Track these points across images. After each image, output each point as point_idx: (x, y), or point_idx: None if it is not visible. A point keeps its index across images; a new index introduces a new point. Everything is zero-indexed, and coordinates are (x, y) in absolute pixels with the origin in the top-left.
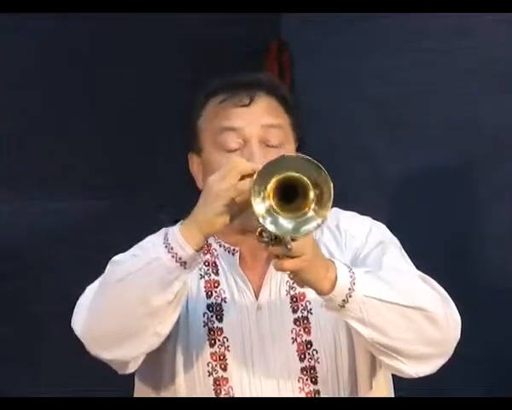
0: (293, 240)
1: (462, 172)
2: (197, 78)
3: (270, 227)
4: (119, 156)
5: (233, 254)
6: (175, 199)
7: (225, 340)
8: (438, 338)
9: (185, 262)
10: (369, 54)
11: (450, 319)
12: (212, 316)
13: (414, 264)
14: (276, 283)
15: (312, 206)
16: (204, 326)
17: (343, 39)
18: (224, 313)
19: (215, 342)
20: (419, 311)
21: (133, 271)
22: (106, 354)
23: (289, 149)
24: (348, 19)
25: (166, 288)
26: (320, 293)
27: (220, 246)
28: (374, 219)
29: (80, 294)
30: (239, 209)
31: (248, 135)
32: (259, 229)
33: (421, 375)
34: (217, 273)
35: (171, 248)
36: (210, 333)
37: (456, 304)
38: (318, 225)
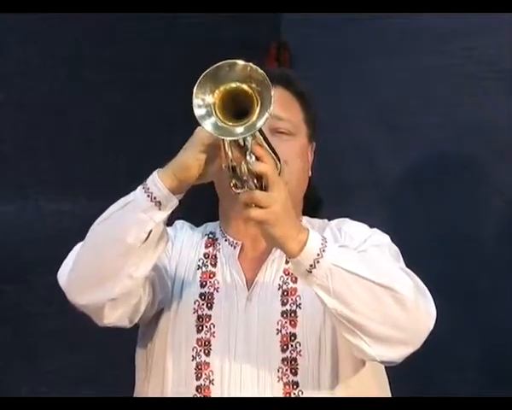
0: (265, 189)
1: (461, 173)
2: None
3: (209, 128)
4: (119, 156)
5: (234, 248)
6: None
7: (212, 326)
8: (404, 323)
9: (160, 202)
10: (369, 54)
11: (421, 307)
12: (202, 304)
13: (411, 264)
14: (270, 276)
15: (258, 108)
16: (194, 313)
17: (343, 39)
18: (214, 301)
19: (202, 328)
20: (388, 290)
21: (112, 212)
22: (81, 298)
23: (301, 141)
24: (348, 19)
25: (140, 226)
26: (288, 254)
27: (226, 240)
28: (373, 219)
29: None
30: (215, 154)
31: None
32: (233, 181)
33: (385, 360)
34: (214, 265)
35: (148, 189)
36: (199, 320)
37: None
38: (266, 119)
